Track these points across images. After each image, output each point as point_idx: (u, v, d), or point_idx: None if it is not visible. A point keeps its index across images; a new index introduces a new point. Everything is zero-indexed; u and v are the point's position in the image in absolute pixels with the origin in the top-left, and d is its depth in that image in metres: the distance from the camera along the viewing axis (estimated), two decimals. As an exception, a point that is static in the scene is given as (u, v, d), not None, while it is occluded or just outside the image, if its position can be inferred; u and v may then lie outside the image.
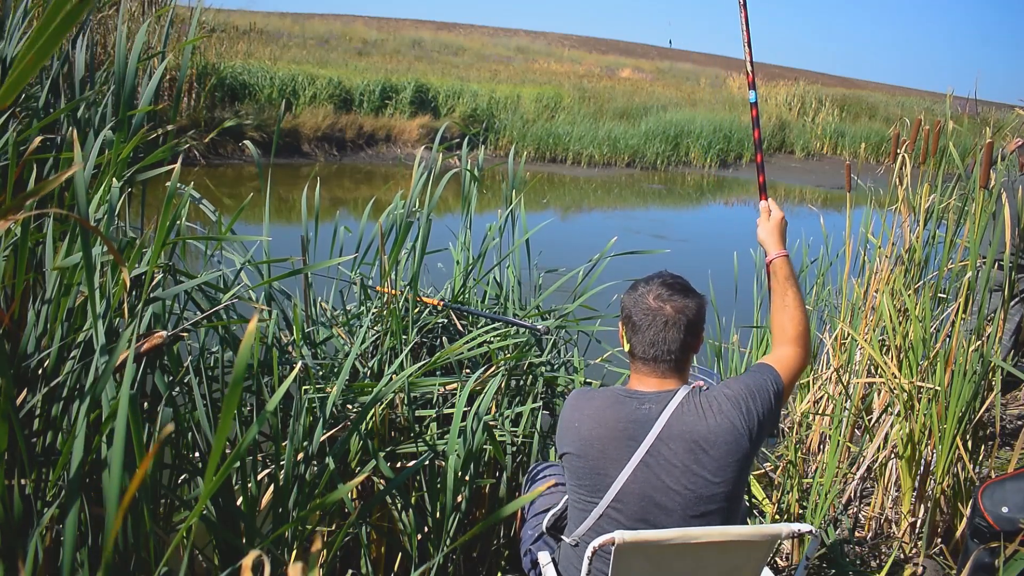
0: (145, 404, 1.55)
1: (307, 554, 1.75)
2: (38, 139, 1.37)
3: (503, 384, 2.27)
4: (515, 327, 2.35)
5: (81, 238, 1.24)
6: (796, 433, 3.07)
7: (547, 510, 1.80)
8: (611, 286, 2.67)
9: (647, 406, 1.48)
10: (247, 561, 0.74)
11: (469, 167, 2.56)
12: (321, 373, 2.09)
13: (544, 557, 1.71)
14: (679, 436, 1.45)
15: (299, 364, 1.71)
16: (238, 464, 1.56)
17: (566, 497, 1.68)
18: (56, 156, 1.69)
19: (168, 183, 1.54)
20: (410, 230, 2.32)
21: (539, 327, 2.24)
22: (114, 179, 1.49)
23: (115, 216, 1.46)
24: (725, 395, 1.50)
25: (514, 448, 2.28)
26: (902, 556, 2.63)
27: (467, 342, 2.21)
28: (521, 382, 2.41)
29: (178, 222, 1.71)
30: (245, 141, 2.36)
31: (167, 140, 1.82)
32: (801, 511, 2.60)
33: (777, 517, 2.61)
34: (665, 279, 1.54)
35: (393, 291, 2.22)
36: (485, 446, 2.07)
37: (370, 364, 2.22)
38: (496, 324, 2.34)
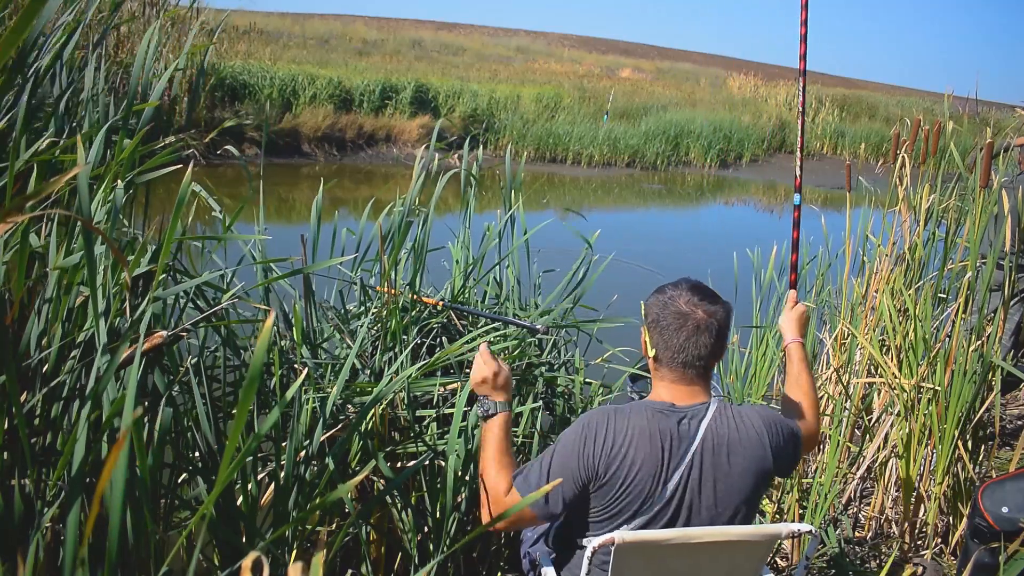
0: (145, 404, 1.55)
1: (308, 554, 1.75)
2: (46, 141, 1.37)
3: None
4: (515, 327, 2.35)
5: (83, 239, 1.24)
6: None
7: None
8: (611, 286, 2.67)
9: (687, 420, 1.46)
10: (246, 562, 0.74)
11: (469, 167, 2.56)
12: (320, 372, 2.09)
13: (544, 558, 1.71)
14: (715, 448, 1.45)
15: (305, 371, 1.71)
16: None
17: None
18: (55, 158, 1.69)
19: (172, 184, 1.54)
20: (409, 230, 2.32)
21: (539, 327, 2.24)
22: (119, 180, 1.49)
23: (118, 216, 1.46)
24: (756, 411, 1.52)
25: (514, 448, 2.28)
26: (902, 556, 2.63)
27: (467, 342, 2.21)
28: (521, 382, 2.41)
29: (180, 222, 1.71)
30: (228, 147, 2.35)
31: (171, 142, 1.82)
32: (801, 511, 2.60)
33: (777, 517, 2.61)
34: (693, 284, 1.51)
35: (393, 291, 2.22)
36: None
37: (370, 364, 2.22)
38: (496, 324, 2.34)
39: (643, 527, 1.46)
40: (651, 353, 1.51)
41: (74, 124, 1.94)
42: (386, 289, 2.22)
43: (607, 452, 1.43)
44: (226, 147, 2.45)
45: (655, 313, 1.49)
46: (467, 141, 2.59)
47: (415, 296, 2.28)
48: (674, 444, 1.44)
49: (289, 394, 1.30)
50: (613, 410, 1.50)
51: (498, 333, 2.34)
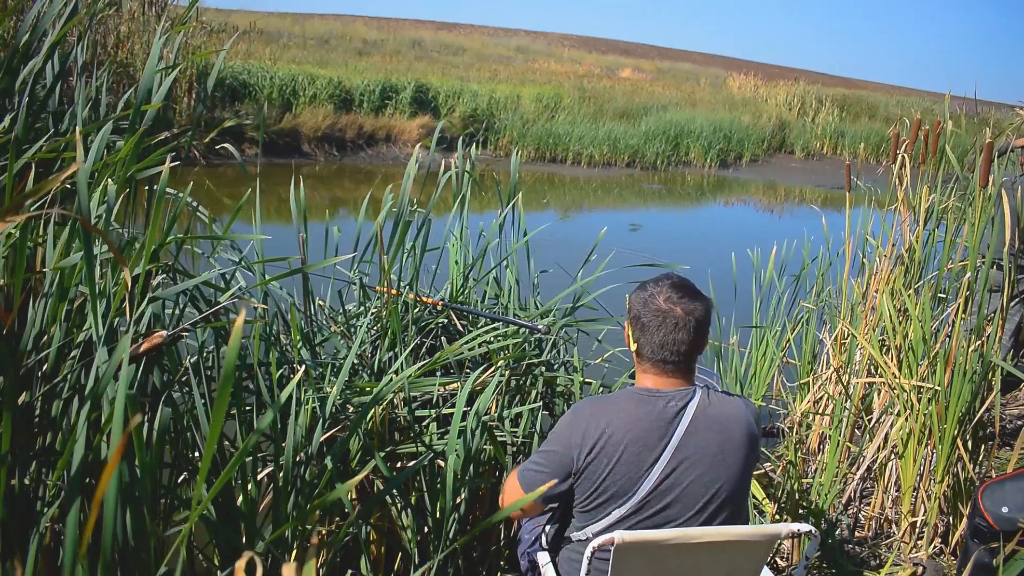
0: (146, 404, 1.55)
1: (307, 553, 1.75)
2: (52, 144, 1.37)
3: (503, 384, 2.27)
4: (515, 327, 2.34)
5: (83, 238, 1.24)
6: (796, 433, 3.07)
7: (544, 512, 1.80)
8: (611, 286, 2.66)
9: (672, 403, 1.52)
10: (240, 563, 0.73)
11: (465, 167, 2.56)
12: (320, 372, 2.09)
13: (543, 558, 1.71)
14: (706, 428, 1.51)
15: (303, 369, 1.71)
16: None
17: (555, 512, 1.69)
18: (59, 155, 1.69)
19: (173, 184, 1.54)
20: (408, 229, 2.32)
21: (540, 327, 2.24)
22: (115, 180, 1.49)
23: (112, 217, 1.46)
24: (738, 398, 1.61)
25: (514, 448, 2.28)
26: (902, 556, 2.63)
27: (467, 342, 2.21)
28: (521, 382, 2.41)
29: (177, 223, 1.71)
30: (227, 145, 2.34)
31: (171, 141, 1.81)
32: (801, 511, 2.60)
33: (777, 517, 2.61)
34: (674, 281, 1.57)
35: (393, 291, 2.22)
36: (485, 446, 2.07)
37: (370, 364, 2.22)
38: (496, 324, 2.34)
39: (635, 511, 1.48)
40: (633, 347, 1.58)
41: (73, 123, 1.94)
42: (386, 289, 2.22)
43: (594, 434, 1.50)
44: (223, 145, 2.43)
45: (637, 309, 1.56)
46: (460, 140, 2.59)
47: (415, 296, 2.27)
48: (660, 425, 1.49)
49: (285, 393, 1.30)
50: (601, 397, 1.60)
51: (498, 333, 2.34)
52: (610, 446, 1.48)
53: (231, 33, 14.40)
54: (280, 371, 1.96)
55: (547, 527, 1.76)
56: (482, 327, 2.34)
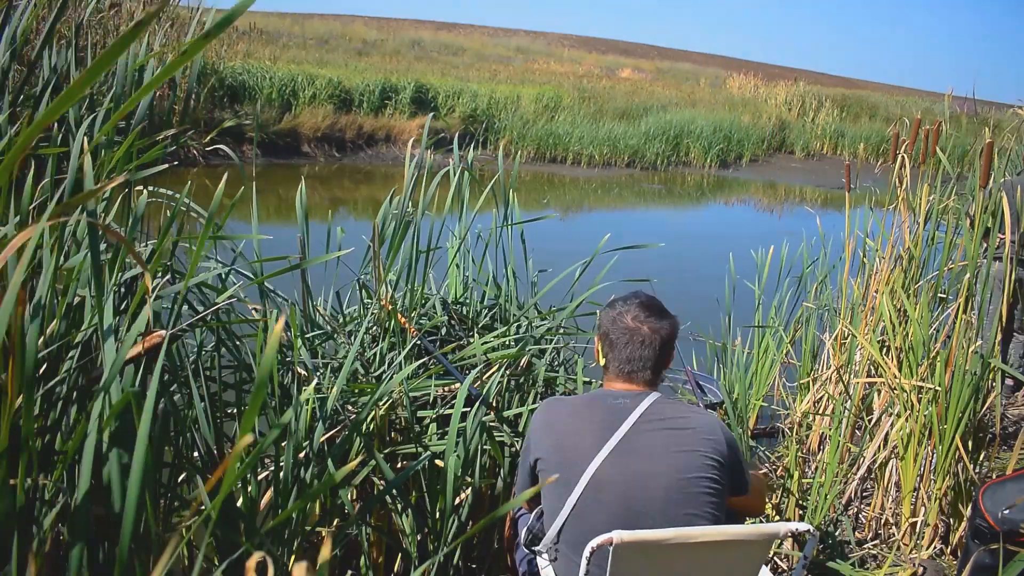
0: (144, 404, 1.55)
1: (308, 554, 1.75)
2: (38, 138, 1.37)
3: (503, 384, 2.27)
4: (514, 336, 2.34)
5: (91, 241, 1.24)
6: (796, 433, 3.07)
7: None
8: (610, 283, 2.66)
9: (622, 401, 1.58)
10: (251, 563, 0.74)
11: (463, 167, 2.56)
12: (320, 373, 2.09)
13: (543, 560, 1.71)
14: (656, 421, 1.54)
15: (315, 382, 1.71)
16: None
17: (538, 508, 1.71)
18: (49, 154, 1.69)
19: (162, 184, 1.54)
20: (407, 231, 2.31)
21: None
22: (141, 189, 1.49)
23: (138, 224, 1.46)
24: (707, 413, 1.64)
25: (514, 449, 2.28)
26: (902, 557, 2.63)
27: (465, 349, 2.21)
28: (521, 382, 2.41)
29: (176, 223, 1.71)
30: (222, 147, 2.35)
31: (171, 142, 1.82)
32: (801, 511, 2.60)
33: (776, 517, 2.61)
34: (643, 300, 1.65)
35: (387, 303, 2.22)
36: (484, 447, 2.07)
37: (370, 365, 2.22)
38: (499, 330, 2.34)
39: (595, 500, 1.49)
40: (602, 361, 1.66)
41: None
42: (383, 302, 2.22)
43: (540, 430, 1.59)
44: (219, 147, 2.45)
45: (606, 327, 1.64)
46: (455, 139, 2.58)
47: (402, 319, 2.25)
48: (608, 419, 1.54)
49: (304, 397, 1.29)
50: (555, 398, 1.71)
51: (499, 340, 2.34)
52: (555, 437, 1.56)
53: (230, 33, 14.41)
54: (280, 372, 1.96)
55: (524, 541, 1.76)
56: (482, 326, 2.33)
